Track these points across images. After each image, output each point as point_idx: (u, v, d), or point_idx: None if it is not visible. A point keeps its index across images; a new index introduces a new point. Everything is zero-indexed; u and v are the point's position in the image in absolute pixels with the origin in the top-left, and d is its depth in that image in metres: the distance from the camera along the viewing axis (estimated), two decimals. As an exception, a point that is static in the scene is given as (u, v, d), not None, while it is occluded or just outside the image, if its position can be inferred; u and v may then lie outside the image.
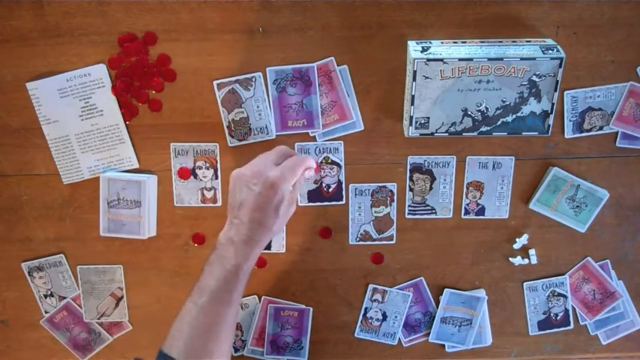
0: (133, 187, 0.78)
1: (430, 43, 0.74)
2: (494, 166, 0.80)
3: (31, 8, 0.73)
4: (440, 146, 0.80)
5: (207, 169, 0.80)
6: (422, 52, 0.71)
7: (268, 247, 0.83)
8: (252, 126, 0.78)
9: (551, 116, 0.74)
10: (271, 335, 0.87)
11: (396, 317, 0.86)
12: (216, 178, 0.80)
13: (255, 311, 0.86)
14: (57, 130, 0.78)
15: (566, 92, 0.77)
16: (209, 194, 0.81)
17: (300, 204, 0.82)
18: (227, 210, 0.70)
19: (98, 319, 0.86)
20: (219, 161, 0.79)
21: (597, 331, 0.88)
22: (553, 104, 0.73)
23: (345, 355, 0.89)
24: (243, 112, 0.78)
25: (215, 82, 0.77)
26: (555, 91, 0.72)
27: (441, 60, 0.70)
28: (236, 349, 0.88)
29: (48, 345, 0.87)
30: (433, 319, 0.86)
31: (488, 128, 0.74)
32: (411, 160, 0.80)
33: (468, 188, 0.81)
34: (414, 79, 0.71)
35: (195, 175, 0.80)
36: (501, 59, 0.70)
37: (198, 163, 0.80)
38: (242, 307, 0.86)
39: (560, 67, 0.70)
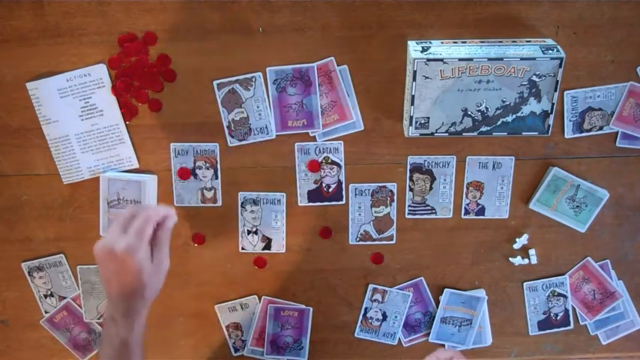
0: (133, 187, 0.78)
1: (430, 43, 0.74)
2: (494, 166, 0.80)
3: (31, 8, 0.73)
4: (440, 146, 0.80)
5: (208, 169, 0.80)
6: (422, 52, 0.71)
7: (268, 247, 0.83)
8: (252, 126, 0.78)
9: (551, 116, 0.74)
10: (271, 335, 0.87)
11: (396, 317, 0.86)
12: (216, 178, 0.80)
13: (255, 311, 0.86)
14: (57, 130, 0.78)
15: (566, 92, 0.77)
16: (209, 194, 0.81)
17: (300, 204, 0.82)
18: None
19: (98, 319, 0.86)
20: (219, 161, 0.79)
21: (597, 331, 0.88)
22: (553, 104, 0.73)
23: (345, 355, 0.89)
24: (243, 112, 0.78)
25: (215, 82, 0.77)
26: (555, 91, 0.72)
27: (441, 60, 0.70)
28: (236, 349, 0.88)
29: (48, 345, 0.87)
30: (433, 319, 0.86)
31: (488, 128, 0.74)
32: (411, 160, 0.80)
33: (468, 188, 0.81)
34: (414, 79, 0.71)
35: (196, 175, 0.80)
36: (501, 59, 0.70)
37: (198, 163, 0.80)
38: (242, 307, 0.86)
39: (560, 67, 0.70)
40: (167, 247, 0.69)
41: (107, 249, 0.64)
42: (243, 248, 0.83)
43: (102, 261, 0.65)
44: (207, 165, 0.80)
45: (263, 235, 0.83)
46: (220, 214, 0.81)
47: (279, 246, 0.83)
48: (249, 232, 0.83)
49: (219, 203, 0.81)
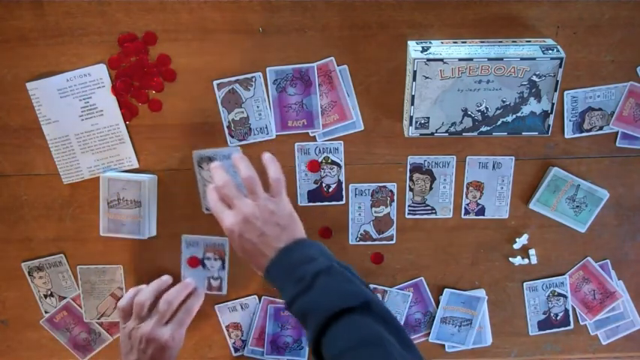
0: (133, 187, 0.78)
1: (430, 43, 0.74)
2: (494, 166, 0.80)
3: (31, 8, 0.73)
4: (440, 146, 0.80)
5: (216, 260, 0.83)
6: (422, 52, 0.71)
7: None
8: (252, 126, 0.78)
9: (551, 116, 0.74)
10: (271, 335, 0.87)
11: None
12: (223, 268, 0.83)
13: (255, 311, 0.86)
14: (57, 130, 0.78)
15: (566, 92, 0.77)
16: (215, 283, 0.84)
17: (300, 204, 0.82)
18: (120, 354, 0.76)
19: (98, 319, 0.86)
20: (227, 253, 0.82)
21: (597, 331, 0.88)
22: (553, 104, 0.73)
23: (345, 355, 0.88)
24: (243, 112, 0.78)
25: (215, 82, 0.77)
26: (555, 91, 0.72)
27: (441, 60, 0.70)
28: (236, 349, 0.88)
29: (48, 345, 0.87)
30: (433, 319, 0.86)
31: (488, 128, 0.74)
32: (411, 160, 0.80)
33: (468, 188, 0.81)
34: (414, 79, 0.71)
35: (204, 265, 0.82)
36: (501, 59, 0.70)
37: (208, 254, 0.82)
38: (242, 307, 0.86)
39: (560, 67, 0.70)
40: (187, 326, 0.78)
41: (148, 336, 0.73)
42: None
43: (137, 345, 0.74)
44: (216, 256, 0.82)
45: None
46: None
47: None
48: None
49: (224, 292, 0.84)
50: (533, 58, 0.70)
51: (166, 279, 0.79)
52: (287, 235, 0.68)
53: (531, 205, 0.82)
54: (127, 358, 0.75)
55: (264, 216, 0.67)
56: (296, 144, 0.79)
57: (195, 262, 0.83)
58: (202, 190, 0.81)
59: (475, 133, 0.75)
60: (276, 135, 0.79)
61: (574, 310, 0.87)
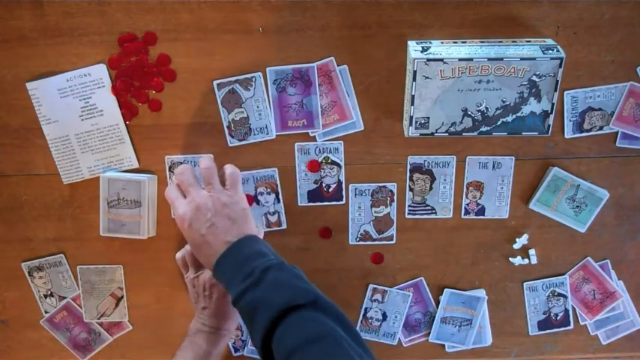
0: (133, 187, 0.78)
1: (430, 43, 0.74)
2: (494, 166, 0.80)
3: (31, 8, 0.73)
4: (440, 146, 0.80)
5: (269, 193, 0.81)
6: (422, 52, 0.71)
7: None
8: (252, 126, 0.78)
9: (551, 116, 0.74)
10: (271, 335, 0.87)
11: (396, 317, 0.86)
12: (279, 201, 0.81)
13: (255, 311, 0.86)
14: (57, 130, 0.78)
15: (566, 92, 0.77)
16: (273, 218, 0.82)
17: (300, 204, 0.82)
18: (193, 305, 0.77)
19: (98, 319, 0.86)
20: (279, 184, 0.80)
21: (597, 331, 0.88)
22: (553, 104, 0.73)
23: (345, 355, 0.88)
24: (243, 112, 0.78)
25: (215, 82, 0.77)
26: (555, 91, 0.72)
27: (441, 60, 0.70)
28: (236, 349, 0.88)
29: (48, 345, 0.87)
30: (433, 319, 0.86)
31: (488, 128, 0.74)
32: (411, 160, 0.80)
33: (468, 188, 0.81)
34: (414, 79, 0.71)
35: (258, 202, 0.81)
36: (501, 59, 0.70)
37: (260, 189, 0.81)
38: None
39: (560, 67, 0.70)
40: None
41: (213, 281, 0.73)
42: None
43: (202, 292, 0.74)
44: (269, 190, 0.81)
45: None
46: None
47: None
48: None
49: (284, 226, 0.82)
50: (533, 58, 0.70)
51: None
52: (237, 230, 0.67)
53: (531, 205, 0.82)
54: (197, 306, 0.76)
55: (215, 207, 0.67)
56: (296, 144, 0.79)
57: (248, 200, 0.80)
58: None
59: (475, 133, 0.75)
60: (276, 135, 0.79)
61: (574, 310, 0.87)
